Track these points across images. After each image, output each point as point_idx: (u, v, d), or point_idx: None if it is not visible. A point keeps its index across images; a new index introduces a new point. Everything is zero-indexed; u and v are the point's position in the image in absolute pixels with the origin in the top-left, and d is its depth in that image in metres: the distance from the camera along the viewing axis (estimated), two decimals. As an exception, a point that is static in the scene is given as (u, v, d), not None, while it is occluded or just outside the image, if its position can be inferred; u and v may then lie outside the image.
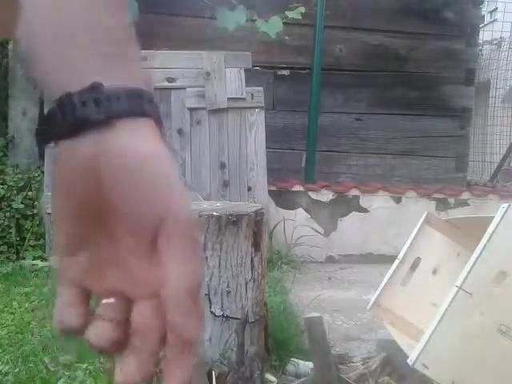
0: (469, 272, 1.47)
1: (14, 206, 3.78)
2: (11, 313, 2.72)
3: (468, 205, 4.43)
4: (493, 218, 1.54)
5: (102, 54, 0.34)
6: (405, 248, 2.13)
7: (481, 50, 7.17)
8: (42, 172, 3.79)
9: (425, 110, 4.79)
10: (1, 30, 0.42)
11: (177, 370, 0.32)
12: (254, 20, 3.88)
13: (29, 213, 3.80)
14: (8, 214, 3.78)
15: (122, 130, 0.33)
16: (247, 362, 1.72)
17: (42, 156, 3.88)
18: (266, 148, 3.89)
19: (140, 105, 0.34)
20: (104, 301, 0.34)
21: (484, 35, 7.00)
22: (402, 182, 4.69)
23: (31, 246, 3.73)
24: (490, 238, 1.49)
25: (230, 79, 3.82)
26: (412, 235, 2.14)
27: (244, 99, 3.82)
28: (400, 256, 2.13)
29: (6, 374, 2.01)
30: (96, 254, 0.34)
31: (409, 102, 4.78)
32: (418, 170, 4.83)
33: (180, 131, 3.77)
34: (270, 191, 4.00)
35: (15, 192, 3.84)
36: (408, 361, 1.46)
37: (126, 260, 0.33)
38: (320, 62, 4.38)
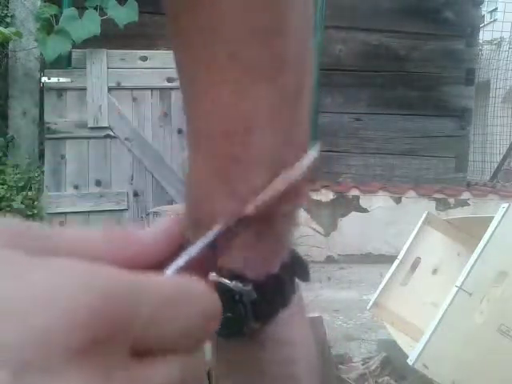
0: (469, 272, 1.47)
1: (14, 206, 3.78)
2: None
3: (468, 205, 4.43)
4: (493, 218, 1.54)
5: None
6: (405, 248, 2.13)
7: (481, 50, 7.17)
8: (42, 172, 3.79)
9: (425, 109, 4.80)
10: None
11: None
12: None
13: (29, 213, 3.80)
14: (8, 214, 3.78)
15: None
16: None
17: (41, 156, 3.89)
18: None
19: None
20: None
21: (484, 35, 7.00)
22: (401, 181, 4.69)
23: (31, 246, 3.72)
24: (490, 238, 1.49)
25: (230, 79, 3.81)
26: (412, 235, 2.14)
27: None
28: (400, 256, 2.13)
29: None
30: None
31: (409, 102, 4.78)
32: (418, 169, 4.83)
33: (180, 131, 3.77)
34: (270, 191, 3.99)
35: (15, 192, 3.84)
36: (408, 361, 1.46)
37: None
38: (320, 62, 4.38)
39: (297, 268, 0.35)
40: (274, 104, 0.29)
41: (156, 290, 0.20)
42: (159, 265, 0.25)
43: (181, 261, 0.25)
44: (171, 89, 3.75)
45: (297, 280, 0.36)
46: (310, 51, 0.31)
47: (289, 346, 0.35)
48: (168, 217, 0.27)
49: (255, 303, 0.31)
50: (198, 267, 0.25)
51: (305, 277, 0.36)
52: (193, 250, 0.26)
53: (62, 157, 3.66)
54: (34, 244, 0.21)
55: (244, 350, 0.34)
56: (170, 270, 0.24)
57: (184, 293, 0.21)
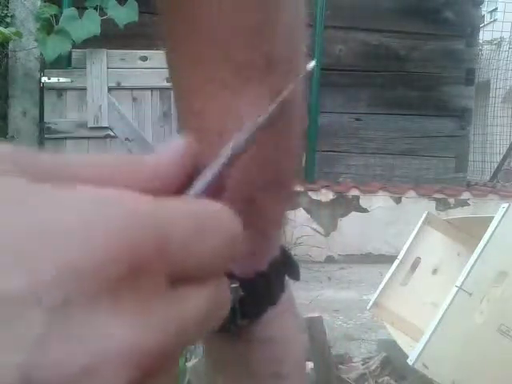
0: (469, 272, 1.47)
1: (13, 206, 3.78)
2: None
3: (468, 205, 4.43)
4: (493, 218, 1.54)
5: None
6: (405, 248, 2.13)
7: (481, 50, 7.17)
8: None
9: (425, 109, 4.79)
10: None
11: None
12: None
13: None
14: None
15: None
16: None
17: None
18: (266, 148, 3.88)
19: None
20: None
21: (484, 35, 7.00)
22: (401, 181, 4.69)
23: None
24: (490, 238, 1.49)
25: (230, 79, 3.81)
26: (412, 235, 2.14)
27: (244, 99, 3.82)
28: (400, 256, 2.13)
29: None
30: None
31: (409, 102, 4.78)
32: (418, 169, 4.83)
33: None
34: (269, 191, 3.99)
35: (15, 192, 3.84)
36: (408, 361, 1.46)
37: None
38: (320, 62, 4.38)
39: (287, 266, 0.35)
40: (264, 103, 0.29)
41: (184, 211, 0.19)
42: (175, 190, 0.23)
43: (200, 184, 0.23)
44: (171, 89, 3.74)
45: (287, 279, 0.36)
46: (301, 51, 0.31)
47: (276, 345, 0.35)
48: (178, 140, 0.24)
49: (242, 301, 0.31)
50: (214, 190, 0.23)
51: (295, 275, 0.36)
52: (211, 172, 0.23)
53: (62, 157, 3.66)
54: (38, 171, 0.19)
55: (231, 348, 0.34)
56: (190, 194, 0.23)
57: (210, 214, 0.20)
